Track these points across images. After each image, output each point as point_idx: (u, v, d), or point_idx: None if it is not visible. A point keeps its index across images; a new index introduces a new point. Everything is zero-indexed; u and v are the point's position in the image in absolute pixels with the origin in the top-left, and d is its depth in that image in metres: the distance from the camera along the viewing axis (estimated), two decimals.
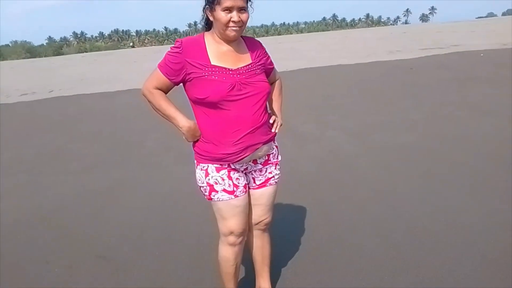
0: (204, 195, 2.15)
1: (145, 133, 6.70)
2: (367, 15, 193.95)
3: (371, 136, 5.83)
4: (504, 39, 19.64)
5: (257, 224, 2.33)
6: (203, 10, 2.01)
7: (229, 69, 1.94)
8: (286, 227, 3.38)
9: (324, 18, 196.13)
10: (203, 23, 2.07)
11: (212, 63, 1.94)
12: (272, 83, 2.25)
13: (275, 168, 2.26)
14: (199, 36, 2.02)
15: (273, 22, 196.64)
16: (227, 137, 1.99)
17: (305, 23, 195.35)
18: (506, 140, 5.12)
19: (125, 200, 4.26)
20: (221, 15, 1.88)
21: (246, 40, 2.10)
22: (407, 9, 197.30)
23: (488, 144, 5.05)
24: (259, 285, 2.51)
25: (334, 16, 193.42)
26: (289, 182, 4.32)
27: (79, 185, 4.80)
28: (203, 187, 2.12)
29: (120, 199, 4.30)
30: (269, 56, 2.19)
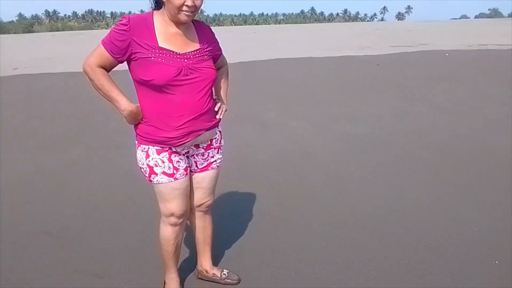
0: (145, 176, 2.13)
1: (108, 114, 6.60)
2: (345, 11, 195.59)
3: (332, 126, 5.96)
4: (470, 41, 20.25)
5: (199, 206, 2.35)
6: None
7: (176, 52, 1.91)
8: (236, 209, 3.44)
9: (302, 11, 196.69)
10: (152, 1, 2.01)
11: (160, 45, 1.88)
12: (219, 69, 2.22)
13: (218, 153, 2.27)
14: (148, 15, 1.95)
15: (251, 12, 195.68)
16: (170, 121, 1.96)
17: (284, 14, 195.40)
18: (458, 136, 5.34)
19: (81, 180, 4.22)
20: None
21: (196, 25, 2.05)
22: (384, 6, 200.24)
23: (442, 138, 5.25)
24: (200, 264, 2.55)
25: (313, 9, 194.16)
26: (246, 167, 4.40)
27: (35, 164, 4.72)
28: (143, 168, 2.10)
29: (76, 178, 4.26)
30: (217, 42, 2.17)
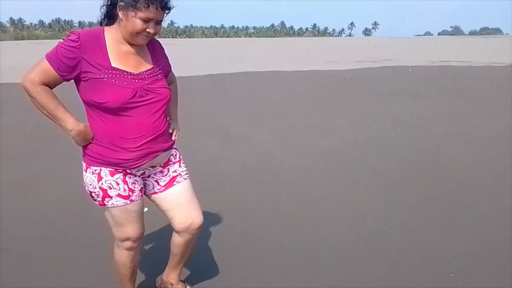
0: (96, 200, 1.99)
1: None
2: (314, 25, 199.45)
3: (298, 139, 6.05)
4: (432, 57, 21.02)
5: (188, 228, 2.14)
6: (110, 4, 1.83)
7: (130, 73, 1.81)
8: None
9: (272, 25, 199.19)
10: (103, 15, 1.88)
11: (113, 65, 1.77)
12: (169, 85, 2.08)
13: (179, 166, 2.16)
14: (99, 32, 1.82)
15: (222, 24, 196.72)
16: (126, 144, 1.86)
17: (254, 28, 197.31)
18: (417, 149, 5.52)
19: (39, 193, 4.11)
20: (137, 23, 1.75)
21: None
22: (352, 22, 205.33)
23: (402, 152, 5.42)
24: (167, 275, 2.42)
25: (283, 23, 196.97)
26: (210, 181, 4.40)
27: None
28: (94, 192, 1.95)
29: (34, 191, 4.15)
30: (167, 58, 2.11)
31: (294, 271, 2.77)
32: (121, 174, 1.95)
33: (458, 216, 3.53)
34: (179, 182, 2.14)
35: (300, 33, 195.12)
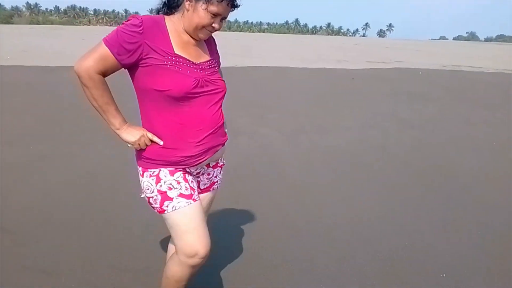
0: (154, 207, 1.81)
1: (79, 111, 6.53)
2: (328, 24, 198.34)
3: (302, 136, 6.05)
4: (445, 61, 20.83)
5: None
6: None
7: (192, 62, 1.72)
8: None
9: (286, 22, 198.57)
10: (162, 3, 1.81)
11: (176, 52, 1.68)
12: None
13: (220, 172, 2.09)
14: (160, 18, 1.73)
15: (236, 19, 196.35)
16: (187, 138, 1.75)
17: (268, 24, 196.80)
18: (422, 153, 5.50)
19: (43, 175, 4.16)
20: (205, 16, 1.67)
21: None
22: (367, 23, 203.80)
23: (404, 153, 5.40)
24: None
25: (297, 21, 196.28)
26: None
27: None
28: (152, 197, 1.78)
29: (37, 173, 4.20)
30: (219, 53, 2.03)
31: (286, 263, 2.79)
32: (181, 172, 1.82)
33: (455, 220, 3.53)
34: (213, 189, 2.09)
35: (314, 31, 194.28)
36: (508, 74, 16.53)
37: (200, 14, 1.67)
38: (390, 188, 4.17)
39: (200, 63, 1.76)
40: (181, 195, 1.76)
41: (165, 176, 1.76)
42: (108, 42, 1.60)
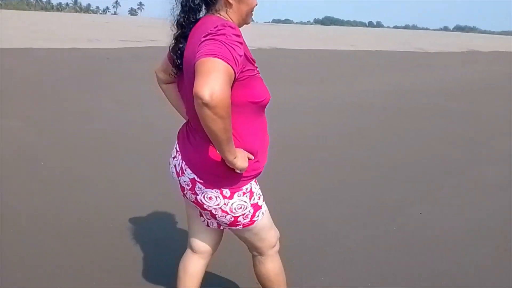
0: (238, 224, 1.68)
1: None
2: (75, 1, 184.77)
3: (60, 125, 5.56)
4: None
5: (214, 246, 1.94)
6: None
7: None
8: None
9: None
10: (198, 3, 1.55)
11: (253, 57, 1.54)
12: None
13: None
14: (230, 21, 1.52)
15: None
16: (265, 146, 1.69)
17: (4, 0, 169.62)
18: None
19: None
20: None
21: None
22: (116, 1, 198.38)
23: (167, 131, 5.58)
24: None
25: None
26: None
27: None
28: (244, 214, 1.65)
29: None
30: None
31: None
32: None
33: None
34: None
35: (60, 8, 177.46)
36: None
37: (248, 1, 1.57)
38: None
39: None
40: (264, 200, 1.76)
41: (255, 188, 1.70)
42: (226, 58, 1.29)
